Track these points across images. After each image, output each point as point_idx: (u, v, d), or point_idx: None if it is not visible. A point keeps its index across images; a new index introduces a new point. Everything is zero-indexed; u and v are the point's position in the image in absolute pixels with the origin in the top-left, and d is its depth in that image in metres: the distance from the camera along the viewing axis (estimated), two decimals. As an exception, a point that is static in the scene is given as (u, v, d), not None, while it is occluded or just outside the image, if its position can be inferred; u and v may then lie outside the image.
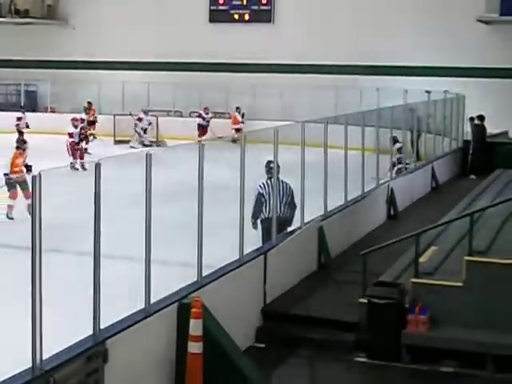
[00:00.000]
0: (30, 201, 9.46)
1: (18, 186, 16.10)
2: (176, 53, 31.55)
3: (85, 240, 6.72)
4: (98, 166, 6.20)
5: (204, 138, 26.08)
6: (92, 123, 27.93)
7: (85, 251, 6.83)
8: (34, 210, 5.55)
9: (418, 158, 20.43)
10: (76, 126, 23.06)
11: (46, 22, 34.37)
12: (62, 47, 33.77)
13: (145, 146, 26.59)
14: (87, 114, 27.94)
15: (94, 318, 6.42)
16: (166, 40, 31.87)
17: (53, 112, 32.60)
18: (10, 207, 15.99)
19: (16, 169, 16.25)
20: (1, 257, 11.54)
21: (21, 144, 17.32)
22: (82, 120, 24.69)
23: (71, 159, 21.97)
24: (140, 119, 28.62)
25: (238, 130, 27.30)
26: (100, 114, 30.23)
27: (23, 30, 34.34)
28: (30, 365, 5.71)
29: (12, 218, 15.83)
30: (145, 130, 28.55)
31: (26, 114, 28.93)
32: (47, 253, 5.71)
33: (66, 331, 6.63)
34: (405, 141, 18.63)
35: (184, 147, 8.89)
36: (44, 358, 5.79)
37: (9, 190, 16.18)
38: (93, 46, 33.06)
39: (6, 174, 16.20)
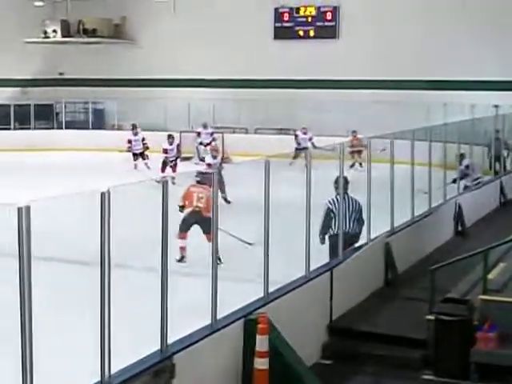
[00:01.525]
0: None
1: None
2: (241, 70, 31.75)
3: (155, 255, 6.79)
4: (165, 184, 6.27)
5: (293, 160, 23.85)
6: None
7: (152, 267, 6.90)
8: (103, 226, 5.62)
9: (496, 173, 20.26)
10: (171, 143, 23.48)
11: (113, 42, 34.90)
12: (128, 66, 34.24)
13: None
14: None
15: (162, 333, 6.47)
16: (230, 57, 32.09)
17: (119, 129, 33.01)
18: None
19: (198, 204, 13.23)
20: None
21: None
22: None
23: (161, 174, 22.36)
24: (199, 134, 28.76)
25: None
26: (166, 131, 30.58)
27: (91, 49, 34.95)
28: (98, 379, 5.79)
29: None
30: (206, 145, 28.63)
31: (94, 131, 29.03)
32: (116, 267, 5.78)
33: (133, 346, 6.70)
34: (474, 156, 18.43)
35: (249, 164, 8.93)
36: (112, 372, 5.86)
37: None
38: (159, 65, 33.43)
39: (181, 207, 13.21)
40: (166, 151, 23.50)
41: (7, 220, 4.69)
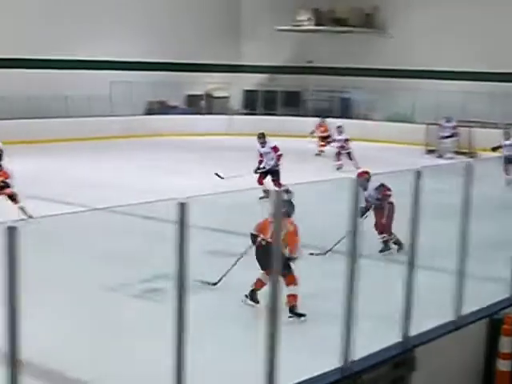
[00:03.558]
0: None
1: None
2: (496, 62, 30.63)
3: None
4: (418, 174, 6.24)
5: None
6: (324, 138, 26.87)
7: (397, 259, 6.90)
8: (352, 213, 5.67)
9: None
10: (341, 133, 23.56)
11: (363, 31, 34.96)
12: (377, 56, 34.18)
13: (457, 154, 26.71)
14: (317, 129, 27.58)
15: (404, 324, 6.46)
16: (485, 48, 31.08)
17: (366, 119, 33.04)
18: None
19: None
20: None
21: None
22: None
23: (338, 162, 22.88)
24: (441, 127, 28.31)
25: None
26: (413, 123, 30.38)
27: (341, 38, 35.22)
28: (338, 365, 5.88)
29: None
30: (446, 137, 28.11)
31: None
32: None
33: (373, 335, 6.74)
34: None
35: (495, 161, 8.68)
36: (354, 359, 5.93)
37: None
38: (409, 55, 33.09)
39: None
40: (334, 141, 23.91)
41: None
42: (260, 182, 17.19)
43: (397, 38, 33.83)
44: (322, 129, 27.30)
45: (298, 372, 5.73)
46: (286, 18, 35.16)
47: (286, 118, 33.63)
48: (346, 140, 23.39)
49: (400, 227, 10.20)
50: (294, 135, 29.61)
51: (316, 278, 10.16)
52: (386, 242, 12.00)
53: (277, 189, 16.57)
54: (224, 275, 9.80)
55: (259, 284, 9.04)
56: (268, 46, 36.34)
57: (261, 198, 16.12)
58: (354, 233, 5.71)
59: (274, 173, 17.13)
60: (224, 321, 8.79)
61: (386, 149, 28.57)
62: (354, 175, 8.88)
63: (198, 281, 9.56)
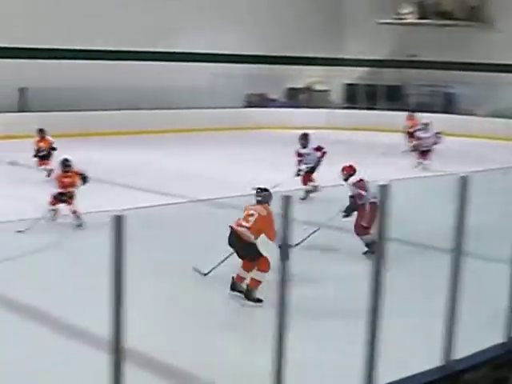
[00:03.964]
0: None
1: None
2: None
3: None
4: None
5: None
6: (412, 134, 24.81)
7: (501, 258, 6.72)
8: (460, 211, 5.54)
9: None
10: (427, 130, 22.56)
11: (469, 24, 34.26)
12: (483, 50, 33.44)
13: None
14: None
15: (508, 324, 6.28)
16: None
17: (470, 115, 32.38)
18: None
19: None
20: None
21: None
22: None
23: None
24: None
25: None
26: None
27: (444, 31, 34.63)
28: (439, 364, 5.77)
29: None
30: None
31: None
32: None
33: (476, 335, 6.59)
34: None
35: None
36: (455, 358, 5.80)
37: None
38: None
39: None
40: (419, 138, 22.75)
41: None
42: (305, 182, 16.87)
43: (505, 33, 32.99)
44: (410, 123, 25.65)
45: (398, 369, 5.66)
46: (388, 11, 34.82)
47: (387, 112, 33.29)
48: (434, 137, 22.35)
49: None
50: (393, 130, 29.28)
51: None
52: (370, 244, 11.38)
53: (316, 184, 16.36)
54: (214, 267, 10.03)
55: (238, 278, 9.51)
56: (369, 40, 36.06)
57: (303, 199, 15.90)
58: (459, 230, 5.58)
59: (313, 169, 16.74)
60: (322, 314, 8.79)
61: (490, 145, 27.98)
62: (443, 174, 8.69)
63: (194, 269, 10.12)
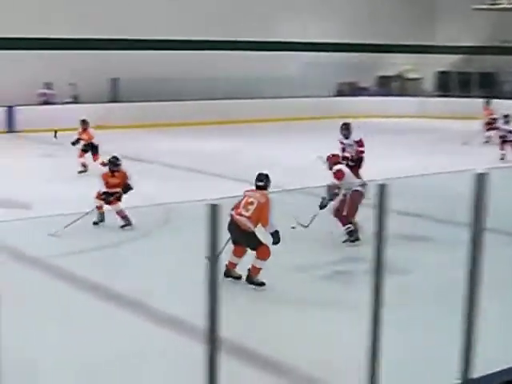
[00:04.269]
0: None
1: None
2: None
3: None
4: None
5: None
6: (488, 124, 23.97)
7: None
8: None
9: None
10: (508, 122, 21.52)
11: None
12: None
13: None
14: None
15: None
16: None
17: None
18: None
19: None
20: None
21: None
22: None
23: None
24: None
25: None
26: None
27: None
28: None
29: None
30: None
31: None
32: None
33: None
34: None
35: None
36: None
37: None
38: None
39: None
40: (498, 129, 21.78)
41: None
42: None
43: None
44: (486, 113, 24.70)
45: (495, 362, 5.54)
46: (482, -3, 34.19)
47: (481, 100, 32.59)
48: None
49: None
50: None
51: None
52: (350, 232, 11.29)
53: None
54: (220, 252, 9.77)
55: (231, 265, 9.43)
56: (463, 26, 35.46)
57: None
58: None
59: (356, 161, 15.29)
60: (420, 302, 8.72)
61: None
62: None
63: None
